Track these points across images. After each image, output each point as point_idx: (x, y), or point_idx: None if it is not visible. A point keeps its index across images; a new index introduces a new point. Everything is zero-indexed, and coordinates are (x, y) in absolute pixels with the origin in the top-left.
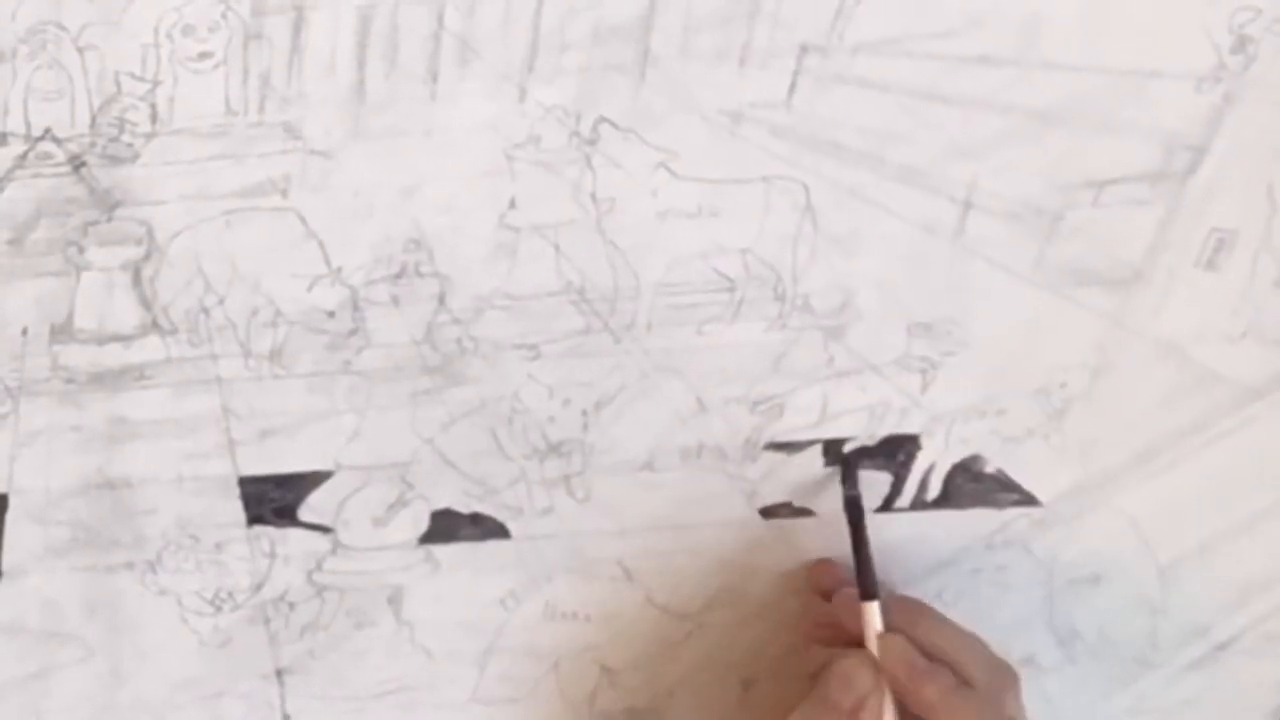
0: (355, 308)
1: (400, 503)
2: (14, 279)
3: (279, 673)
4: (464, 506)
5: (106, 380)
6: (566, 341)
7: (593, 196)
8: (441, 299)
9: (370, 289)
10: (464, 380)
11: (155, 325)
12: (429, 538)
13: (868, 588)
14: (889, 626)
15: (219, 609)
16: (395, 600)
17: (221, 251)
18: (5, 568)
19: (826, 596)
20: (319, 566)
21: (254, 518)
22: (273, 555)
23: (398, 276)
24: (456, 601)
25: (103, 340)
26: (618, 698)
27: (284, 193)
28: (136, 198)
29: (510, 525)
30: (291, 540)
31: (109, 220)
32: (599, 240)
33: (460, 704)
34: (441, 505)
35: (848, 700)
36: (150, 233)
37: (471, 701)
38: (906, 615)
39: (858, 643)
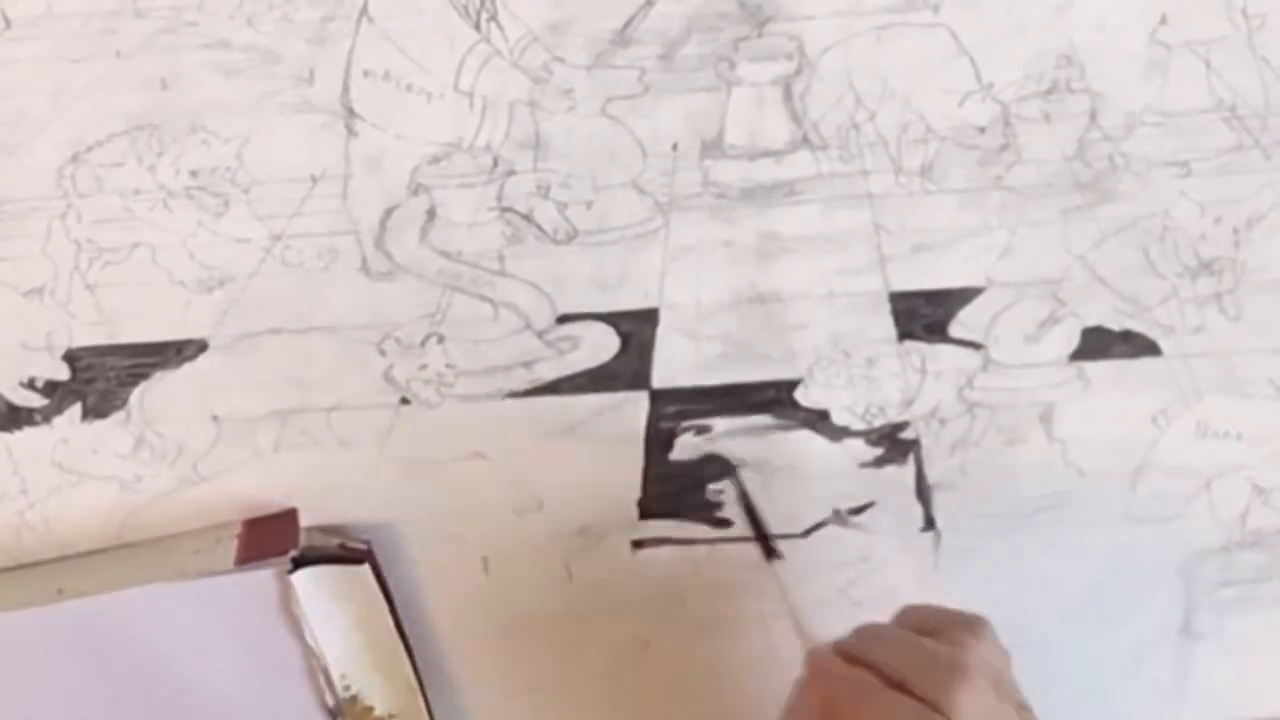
0: (1006, 124)
1: (1052, 319)
2: (665, 95)
3: (930, 488)
4: (1115, 324)
5: (757, 195)
6: (1218, 159)
7: (1244, 12)
8: (1093, 115)
9: (1021, 105)
10: (1115, 197)
11: (806, 141)
12: (1080, 355)
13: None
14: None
15: (870, 424)
16: (1046, 417)
17: (872, 67)
18: (656, 381)
19: None
20: (970, 383)
21: (905, 333)
22: (923, 371)
23: (1049, 93)
24: (1108, 419)
25: (754, 156)
26: (1270, 516)
27: (935, 9)
28: (787, 13)
29: (1161, 343)
30: (942, 356)
31: (759, 35)
32: (1250, 56)
33: (1111, 522)
34: (1092, 322)
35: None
36: (801, 48)
37: (1123, 520)
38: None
39: None
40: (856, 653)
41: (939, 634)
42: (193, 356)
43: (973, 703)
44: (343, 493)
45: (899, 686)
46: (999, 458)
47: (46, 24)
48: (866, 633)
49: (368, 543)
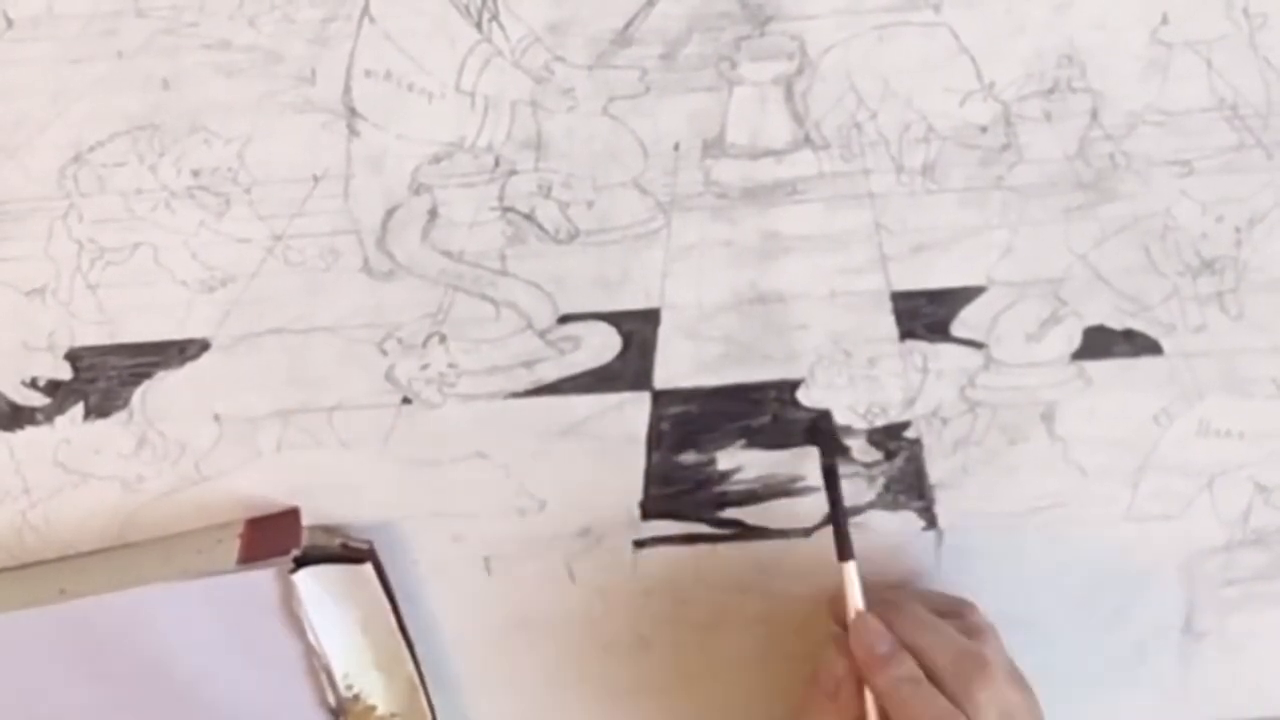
0: (1007, 123)
1: (1053, 319)
2: (666, 94)
3: (931, 486)
4: (1116, 323)
5: (759, 195)
6: (1219, 158)
7: (1245, 12)
8: (1094, 114)
9: (1022, 104)
10: (1116, 196)
11: (808, 140)
12: (1081, 354)
13: (843, 548)
14: (869, 608)
15: (872, 423)
16: (1048, 416)
17: (873, 67)
18: (658, 382)
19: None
20: (971, 382)
21: (906, 333)
22: (925, 370)
23: (1050, 92)
24: (1109, 418)
25: (755, 155)
26: (1272, 515)
27: (936, 8)
28: (788, 12)
29: (1163, 342)
30: (944, 355)
31: (761, 35)
32: (1252, 56)
33: (1112, 521)
34: (1094, 321)
35: (828, 683)
36: (802, 47)
37: (1124, 519)
38: (886, 602)
39: None
40: (900, 635)
41: (950, 617)
42: (195, 356)
43: (992, 700)
44: (344, 492)
45: (931, 677)
46: (1000, 457)
47: (48, 25)
48: (904, 614)
49: (369, 542)
